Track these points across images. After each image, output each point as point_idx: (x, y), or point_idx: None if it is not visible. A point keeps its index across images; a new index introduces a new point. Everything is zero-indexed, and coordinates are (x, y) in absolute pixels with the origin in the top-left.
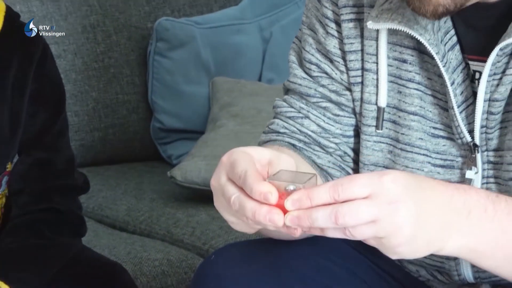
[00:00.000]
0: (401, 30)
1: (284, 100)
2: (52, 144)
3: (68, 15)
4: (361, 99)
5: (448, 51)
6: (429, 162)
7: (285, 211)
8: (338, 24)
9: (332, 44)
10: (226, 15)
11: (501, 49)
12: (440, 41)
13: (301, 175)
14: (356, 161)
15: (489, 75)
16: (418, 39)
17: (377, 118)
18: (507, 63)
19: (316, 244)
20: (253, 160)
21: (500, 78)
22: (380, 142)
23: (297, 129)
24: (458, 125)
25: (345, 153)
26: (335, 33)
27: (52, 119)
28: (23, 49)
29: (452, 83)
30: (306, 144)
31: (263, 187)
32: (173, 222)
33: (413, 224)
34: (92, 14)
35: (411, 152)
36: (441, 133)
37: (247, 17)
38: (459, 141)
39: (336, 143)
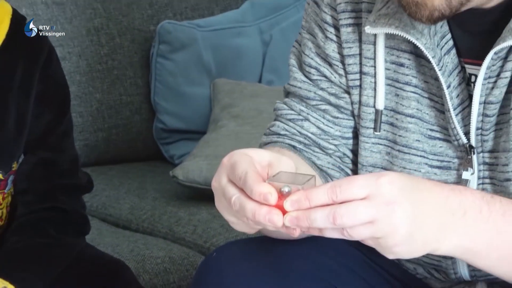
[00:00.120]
0: (398, 34)
1: (285, 102)
2: (56, 144)
3: (73, 18)
4: (360, 102)
5: (444, 55)
6: (426, 164)
7: (284, 212)
8: (337, 28)
9: (331, 48)
10: (227, 18)
11: (495, 53)
12: (437, 45)
13: (301, 176)
14: (355, 162)
15: (484, 78)
16: (415, 43)
17: (375, 121)
18: (502, 66)
19: (315, 242)
20: (253, 162)
21: (495, 81)
22: (378, 144)
23: (297, 131)
24: (454, 127)
25: (344, 154)
26: (334, 38)
27: (57, 120)
28: (29, 51)
29: (448, 86)
30: (306, 146)
31: (263, 188)
32: (175, 220)
33: (409, 224)
34: (96, 17)
35: (409, 153)
36: (438, 135)
37: (248, 20)
38: (456, 142)
39: (335, 145)
